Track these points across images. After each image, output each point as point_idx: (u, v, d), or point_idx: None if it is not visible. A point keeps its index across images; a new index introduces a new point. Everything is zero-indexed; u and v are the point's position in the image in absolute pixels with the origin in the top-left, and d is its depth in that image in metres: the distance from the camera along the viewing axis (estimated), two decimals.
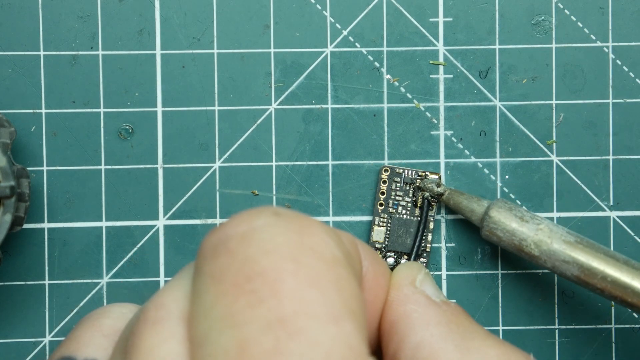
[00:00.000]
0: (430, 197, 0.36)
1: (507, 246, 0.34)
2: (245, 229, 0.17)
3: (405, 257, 0.37)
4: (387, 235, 0.37)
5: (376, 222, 0.37)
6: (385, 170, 0.37)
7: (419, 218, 0.37)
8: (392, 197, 0.37)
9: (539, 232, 0.33)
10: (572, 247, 0.33)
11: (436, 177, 0.36)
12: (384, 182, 0.37)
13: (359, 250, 0.21)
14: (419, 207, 0.37)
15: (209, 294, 0.17)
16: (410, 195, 0.37)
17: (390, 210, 0.37)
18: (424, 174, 0.37)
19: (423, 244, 0.37)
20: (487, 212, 0.34)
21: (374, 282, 0.21)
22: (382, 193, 0.37)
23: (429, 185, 0.36)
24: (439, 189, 0.36)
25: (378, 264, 0.22)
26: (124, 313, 0.22)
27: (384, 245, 0.37)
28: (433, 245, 0.37)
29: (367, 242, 0.37)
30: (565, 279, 0.33)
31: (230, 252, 0.17)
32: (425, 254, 0.37)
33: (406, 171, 0.37)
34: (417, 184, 0.37)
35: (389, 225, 0.37)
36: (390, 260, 0.37)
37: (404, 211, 0.37)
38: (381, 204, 0.37)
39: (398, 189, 0.37)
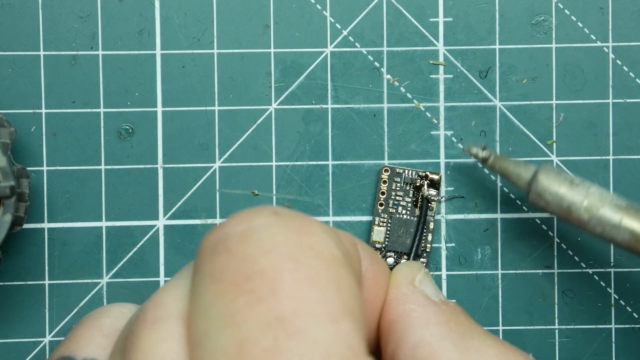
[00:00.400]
0: (429, 197, 0.36)
1: (556, 210, 0.33)
2: (244, 228, 0.17)
3: (405, 257, 0.37)
4: (387, 235, 0.37)
5: (376, 222, 0.37)
6: (386, 170, 0.37)
7: (418, 218, 0.37)
8: (392, 197, 0.37)
9: (590, 196, 0.32)
10: (623, 211, 0.32)
11: (479, 146, 0.35)
12: (384, 182, 0.37)
13: (358, 249, 0.21)
14: (419, 207, 0.37)
15: (208, 293, 0.17)
16: (411, 196, 0.37)
17: (391, 210, 0.37)
18: (424, 173, 0.37)
19: (423, 244, 0.37)
20: (536, 176, 0.33)
21: (374, 281, 0.21)
22: (382, 193, 0.37)
23: (474, 150, 0.35)
24: (483, 154, 0.35)
25: (377, 263, 0.22)
26: (123, 313, 0.22)
27: (384, 245, 0.37)
28: (433, 245, 0.37)
29: (367, 242, 0.37)
30: (614, 244, 0.32)
31: (230, 251, 0.17)
32: (425, 254, 0.37)
33: (406, 171, 0.37)
34: (418, 184, 0.37)
35: (389, 225, 0.37)
36: (390, 260, 0.37)
37: (404, 211, 0.37)
38: (381, 204, 0.37)
39: (398, 189, 0.37)
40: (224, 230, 0.18)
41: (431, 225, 0.37)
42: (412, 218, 0.37)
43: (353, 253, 0.20)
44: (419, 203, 0.37)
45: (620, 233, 0.32)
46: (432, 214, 0.37)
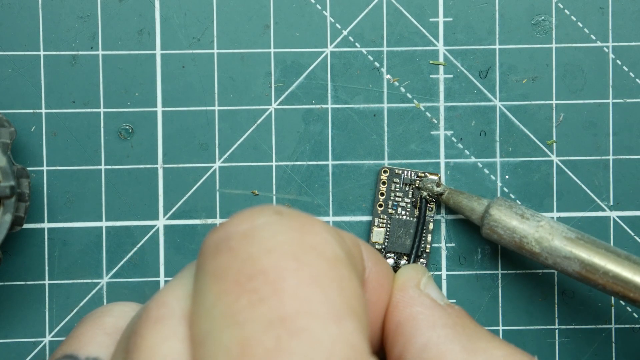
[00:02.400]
0: (428, 197, 0.36)
1: (508, 244, 0.34)
2: (247, 227, 0.17)
3: (405, 257, 0.37)
4: (387, 236, 0.37)
5: (376, 223, 0.37)
6: (385, 171, 0.37)
7: (418, 219, 0.37)
8: (392, 198, 0.37)
9: (540, 229, 0.33)
10: (573, 243, 0.33)
11: (435, 177, 0.36)
12: (383, 183, 0.37)
13: (361, 250, 0.21)
14: (418, 208, 0.37)
15: (211, 292, 0.17)
16: (410, 196, 0.37)
17: (390, 211, 0.37)
18: (423, 174, 0.37)
19: (423, 245, 0.37)
20: (488, 211, 0.34)
21: (377, 282, 0.21)
22: (382, 194, 0.37)
23: (429, 185, 0.36)
24: (438, 189, 0.36)
25: (381, 264, 0.22)
26: (126, 311, 0.22)
27: (383, 246, 0.37)
28: (433, 245, 0.37)
29: (366, 242, 0.37)
30: (566, 275, 0.33)
31: (232, 251, 0.17)
32: (424, 255, 0.37)
33: (405, 172, 0.37)
34: (417, 185, 0.37)
35: (388, 226, 0.37)
36: (390, 262, 0.37)
37: (403, 212, 0.37)
38: (380, 205, 0.37)
39: (397, 189, 0.37)
40: (227, 230, 0.18)
41: (430, 226, 0.37)
42: (411, 219, 0.37)
43: (356, 253, 0.20)
44: (418, 204, 0.37)
45: (570, 264, 0.33)
46: (432, 215, 0.37)
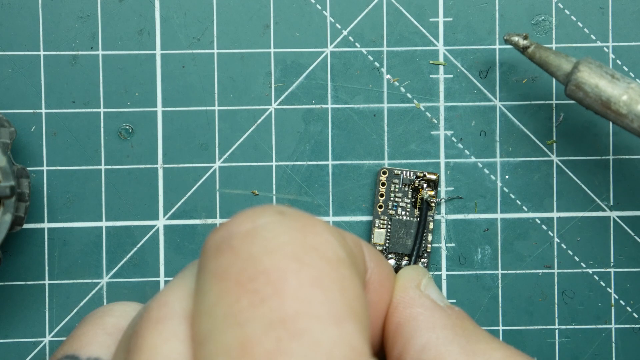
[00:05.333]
0: (429, 198, 0.36)
1: (593, 103, 0.33)
2: (249, 227, 0.17)
3: (406, 258, 0.37)
4: (388, 237, 0.37)
5: (376, 224, 0.37)
6: (384, 172, 0.37)
7: (418, 219, 0.37)
8: (392, 198, 0.37)
9: (630, 91, 0.32)
10: None
11: (521, 35, 0.34)
12: (383, 184, 0.37)
13: (363, 251, 0.21)
14: (418, 208, 0.37)
15: (212, 292, 0.17)
16: (410, 196, 0.37)
17: (390, 211, 0.37)
18: (422, 174, 0.37)
19: (423, 245, 0.37)
20: (576, 67, 0.33)
21: (379, 283, 0.21)
22: (381, 195, 0.37)
23: (514, 38, 0.34)
24: (525, 42, 0.34)
25: (383, 265, 0.22)
26: (127, 311, 0.22)
27: (384, 247, 0.37)
28: (433, 245, 0.37)
29: (368, 243, 0.37)
30: None
31: (234, 251, 0.17)
32: (425, 254, 0.37)
33: (404, 172, 0.37)
34: (416, 185, 0.37)
35: (389, 227, 0.37)
36: (391, 262, 0.37)
37: (403, 212, 0.37)
38: (380, 206, 0.37)
39: (397, 190, 0.37)
40: (229, 229, 0.18)
41: (431, 226, 0.37)
42: (411, 219, 0.37)
43: (358, 254, 0.20)
44: (418, 204, 0.37)
45: None
46: (432, 214, 0.37)
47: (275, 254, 0.17)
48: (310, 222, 0.18)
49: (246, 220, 0.18)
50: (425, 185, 0.37)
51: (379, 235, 0.37)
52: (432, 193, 0.36)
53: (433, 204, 0.37)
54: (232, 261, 0.17)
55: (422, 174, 0.37)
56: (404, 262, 0.37)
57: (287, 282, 0.16)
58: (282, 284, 0.16)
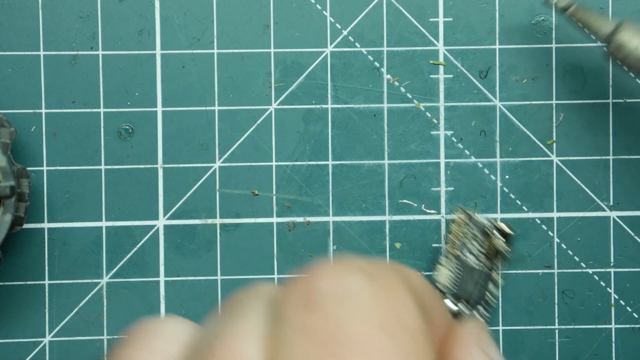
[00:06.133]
0: (502, 248, 0.36)
1: (634, 64, 0.33)
2: (337, 289, 0.18)
3: (465, 302, 0.36)
4: (453, 279, 0.36)
5: (442, 262, 0.36)
6: (460, 213, 0.36)
7: (486, 267, 0.36)
8: (462, 240, 0.37)
9: None
10: None
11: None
12: (458, 225, 0.36)
13: (443, 306, 0.21)
14: (488, 257, 0.36)
15: (298, 348, 0.17)
16: (480, 241, 0.37)
17: (459, 253, 0.37)
18: (494, 220, 0.36)
19: (488, 296, 0.37)
20: (618, 29, 0.34)
21: (438, 332, 0.22)
22: (452, 234, 0.36)
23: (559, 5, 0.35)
24: (564, 2, 0.35)
25: (444, 315, 0.22)
26: (179, 336, 0.21)
27: (447, 288, 0.37)
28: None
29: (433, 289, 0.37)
30: None
31: (323, 312, 0.18)
32: (490, 309, 0.37)
33: (478, 216, 0.36)
34: (487, 230, 0.36)
35: (459, 270, 0.36)
36: (447, 302, 0.37)
37: (472, 257, 0.37)
38: (451, 247, 0.36)
39: (468, 233, 0.37)
40: (315, 286, 0.18)
41: (499, 280, 0.36)
42: (478, 267, 0.36)
43: (439, 314, 0.21)
44: (488, 252, 0.36)
45: None
46: (498, 265, 0.37)
47: (362, 321, 0.17)
48: (394, 287, 0.19)
49: (332, 278, 0.18)
50: (497, 233, 0.36)
51: (444, 275, 0.36)
52: (507, 247, 0.36)
53: (505, 259, 0.36)
54: (321, 323, 0.17)
55: (494, 220, 0.36)
56: (460, 306, 0.37)
57: (369, 352, 0.17)
58: (365, 353, 0.17)
